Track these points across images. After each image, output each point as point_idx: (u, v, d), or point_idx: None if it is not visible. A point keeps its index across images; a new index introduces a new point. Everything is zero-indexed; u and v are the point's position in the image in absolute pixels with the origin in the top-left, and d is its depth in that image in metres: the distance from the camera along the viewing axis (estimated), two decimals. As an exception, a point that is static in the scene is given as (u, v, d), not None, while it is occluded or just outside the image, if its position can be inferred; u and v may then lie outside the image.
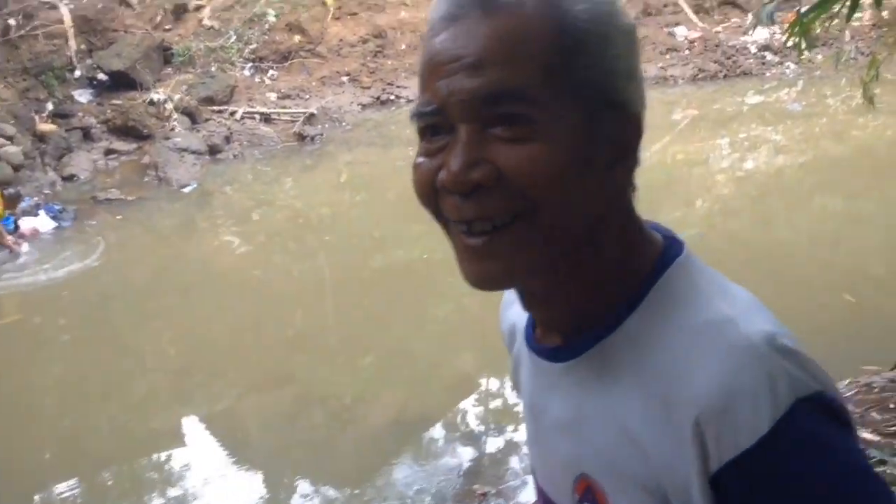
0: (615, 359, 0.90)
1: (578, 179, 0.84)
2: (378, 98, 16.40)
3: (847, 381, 4.54)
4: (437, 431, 6.26)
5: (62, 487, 5.44)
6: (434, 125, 0.89)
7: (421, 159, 0.91)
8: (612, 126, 0.86)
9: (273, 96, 15.79)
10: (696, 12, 19.15)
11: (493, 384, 6.91)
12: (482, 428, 6.29)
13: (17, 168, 11.57)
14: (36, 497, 5.51)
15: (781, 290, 7.58)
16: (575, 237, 0.87)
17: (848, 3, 2.62)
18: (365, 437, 6.16)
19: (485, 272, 0.89)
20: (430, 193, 0.91)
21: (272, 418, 6.47)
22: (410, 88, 16.72)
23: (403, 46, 17.62)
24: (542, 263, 0.88)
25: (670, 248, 0.94)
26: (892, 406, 3.96)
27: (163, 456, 5.95)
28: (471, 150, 0.84)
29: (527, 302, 0.98)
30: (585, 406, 0.94)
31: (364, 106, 16.12)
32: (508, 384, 6.86)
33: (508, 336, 1.19)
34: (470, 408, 6.54)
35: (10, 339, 7.75)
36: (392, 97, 16.47)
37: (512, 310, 1.12)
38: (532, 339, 1.03)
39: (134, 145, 13.52)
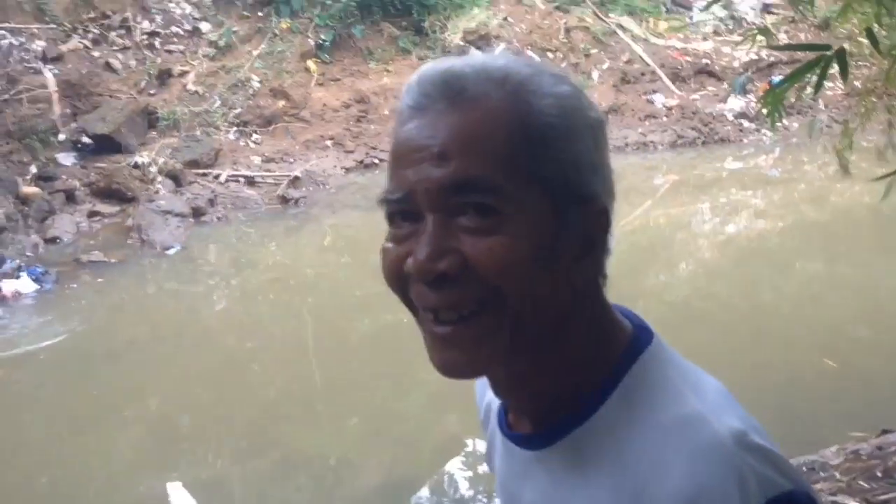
0: (585, 451, 0.90)
1: (544, 271, 0.86)
2: (362, 161, 16.54)
3: (834, 447, 4.53)
4: (424, 494, 6.20)
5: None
6: (402, 212, 0.91)
7: (389, 245, 0.93)
8: (579, 219, 0.88)
9: (257, 160, 15.88)
10: (673, 80, 19.60)
11: (480, 446, 6.83)
12: (471, 492, 6.21)
13: (-2, 230, 11.50)
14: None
15: (765, 353, 7.64)
16: (541, 328, 0.89)
17: (818, 75, 2.73)
18: (351, 500, 6.08)
19: (450, 361, 0.92)
20: (399, 280, 0.94)
21: (257, 482, 6.35)
22: (392, 152, 16.92)
23: (386, 111, 17.85)
24: (508, 354, 0.90)
25: (640, 337, 0.95)
26: (879, 474, 3.94)
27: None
28: (437, 239, 0.86)
29: (495, 388, 0.99)
30: (555, 496, 0.94)
31: (348, 169, 16.25)
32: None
33: (484, 414, 1.20)
34: (457, 470, 6.48)
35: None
36: (375, 161, 16.61)
37: (488, 389, 1.11)
38: (505, 423, 1.04)
39: (117, 208, 13.48)
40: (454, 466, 6.51)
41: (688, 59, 20.05)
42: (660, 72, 19.68)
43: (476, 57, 0.93)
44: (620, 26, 20.51)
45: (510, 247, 0.85)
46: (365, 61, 18.76)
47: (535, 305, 0.87)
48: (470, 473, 6.44)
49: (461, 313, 0.88)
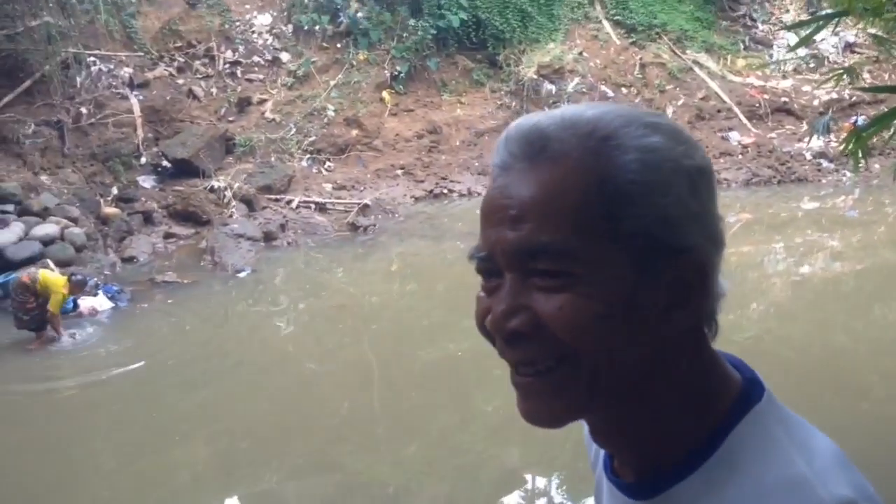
0: None
1: (622, 326, 0.84)
2: (431, 192, 16.68)
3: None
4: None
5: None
6: (487, 269, 0.91)
7: (482, 294, 0.94)
8: (667, 271, 0.85)
9: (329, 187, 16.17)
10: (750, 118, 19.28)
11: (539, 482, 6.75)
12: (528, 527, 6.11)
13: (79, 249, 11.91)
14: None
15: (840, 399, 7.36)
16: (620, 381, 0.87)
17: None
18: (406, 531, 6.03)
19: (531, 410, 0.91)
20: (485, 330, 0.94)
21: (312, 503, 6.38)
22: (463, 183, 16.99)
23: (457, 143, 18.01)
24: (586, 406, 0.88)
25: (750, 392, 0.91)
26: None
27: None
28: (512, 297, 0.86)
29: (592, 434, 0.97)
30: None
31: (417, 199, 16.40)
32: (555, 483, 6.70)
33: (593, 456, 1.18)
34: (515, 503, 6.37)
35: (61, 414, 7.83)
36: (445, 191, 16.73)
37: None
38: (610, 468, 1.01)
39: (192, 230, 13.87)
40: (513, 500, 6.41)
41: (766, 96, 19.70)
42: (736, 109, 19.38)
43: (569, 109, 0.90)
44: (697, 63, 20.31)
45: (580, 306, 0.83)
46: (438, 93, 18.99)
47: (613, 359, 0.85)
48: (529, 508, 6.35)
49: (538, 368, 0.88)
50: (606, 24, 20.91)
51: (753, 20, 21.99)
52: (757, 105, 19.51)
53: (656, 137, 0.85)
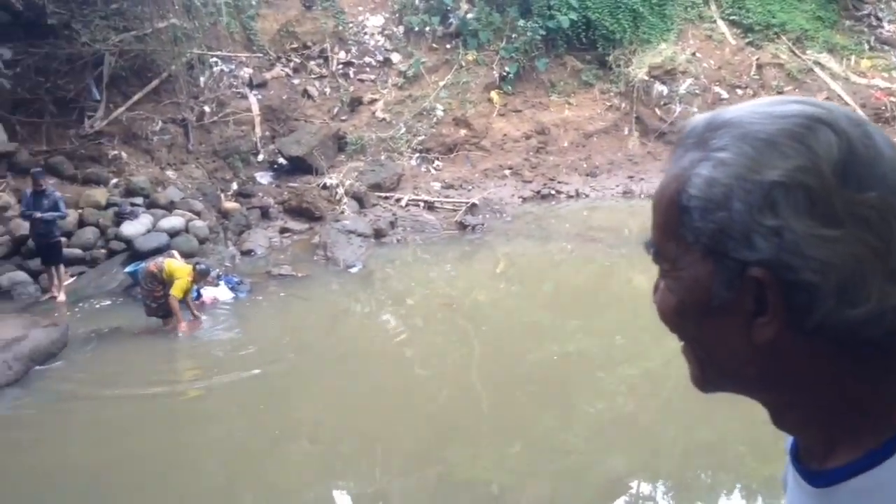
0: (863, 500, 0.92)
1: (699, 322, 0.93)
2: (539, 192, 16.68)
3: None
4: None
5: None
6: None
7: None
8: (739, 281, 0.88)
9: (437, 185, 16.39)
10: (875, 121, 18.41)
11: (644, 489, 6.68)
12: (632, 535, 6.07)
13: (202, 241, 12.49)
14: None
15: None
16: (726, 370, 0.95)
17: None
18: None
19: (689, 372, 0.99)
20: None
21: (418, 499, 6.49)
22: (571, 184, 16.92)
23: (566, 144, 17.93)
24: (707, 383, 0.97)
25: None
26: None
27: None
28: (657, 278, 0.98)
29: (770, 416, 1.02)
30: None
31: (525, 199, 16.43)
32: (661, 491, 6.62)
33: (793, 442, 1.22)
34: (619, 510, 6.34)
35: (176, 400, 8.23)
36: (552, 192, 16.70)
37: None
38: (795, 453, 1.05)
39: (306, 225, 14.33)
40: (617, 504, 6.39)
41: (893, 99, 18.80)
42: (860, 112, 18.57)
43: (732, 109, 0.94)
44: (818, 63, 19.56)
45: (665, 297, 0.95)
46: (547, 94, 18.94)
47: (704, 349, 0.95)
48: (632, 514, 6.32)
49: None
50: (721, 24, 20.39)
51: (879, 19, 21.01)
52: (883, 108, 18.64)
53: (735, 149, 0.89)
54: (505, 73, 18.65)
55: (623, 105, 18.70)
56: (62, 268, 11.20)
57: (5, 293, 11.10)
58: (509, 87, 18.71)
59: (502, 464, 7.02)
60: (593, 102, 18.88)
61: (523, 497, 6.48)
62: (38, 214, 10.70)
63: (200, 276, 9.73)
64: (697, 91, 18.53)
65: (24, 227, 11.60)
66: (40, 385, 8.26)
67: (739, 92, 18.70)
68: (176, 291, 9.45)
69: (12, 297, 11.02)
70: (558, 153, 17.74)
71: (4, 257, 11.81)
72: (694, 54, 19.32)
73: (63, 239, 11.39)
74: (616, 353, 9.51)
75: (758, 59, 19.49)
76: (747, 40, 20.02)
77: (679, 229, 0.91)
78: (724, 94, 18.66)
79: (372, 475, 6.89)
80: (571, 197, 16.65)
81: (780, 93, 18.73)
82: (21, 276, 11.42)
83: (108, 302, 11.04)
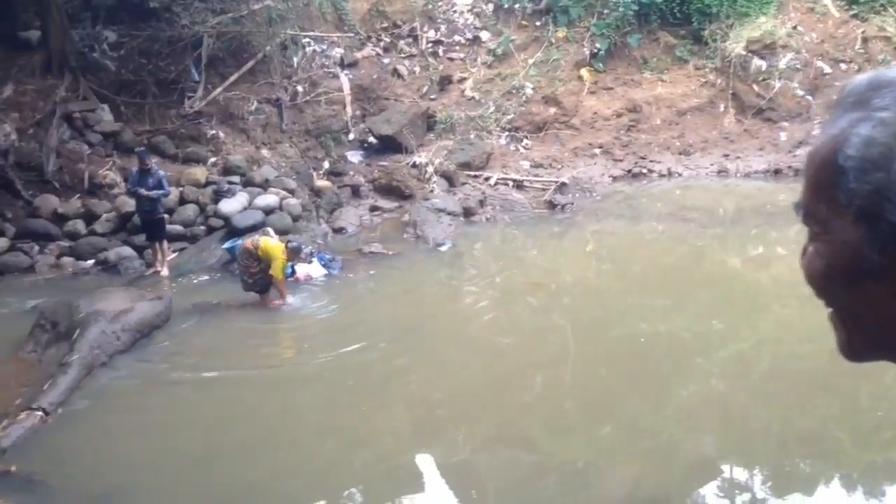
0: None
1: (846, 287, 0.89)
2: (629, 171, 16.44)
3: None
4: (674, 512, 6.05)
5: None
6: None
7: None
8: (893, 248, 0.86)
9: (526, 164, 16.33)
10: None
11: (737, 473, 6.57)
12: (724, 519, 5.99)
13: (295, 219, 12.80)
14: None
15: None
16: (865, 337, 0.92)
17: None
18: (597, 508, 6.07)
19: (836, 341, 0.96)
20: None
21: (505, 477, 6.54)
22: (663, 163, 16.61)
23: (658, 121, 17.58)
24: (853, 351, 0.94)
25: None
26: None
27: (400, 498, 6.20)
28: (805, 244, 0.95)
29: None
30: None
31: (615, 178, 16.22)
32: (755, 476, 6.50)
33: None
34: (710, 494, 6.24)
35: (271, 380, 8.49)
36: (644, 171, 16.43)
37: None
38: None
39: (396, 204, 14.51)
40: (709, 491, 6.29)
41: None
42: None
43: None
44: (928, 35, 18.57)
45: (812, 260, 0.92)
46: (639, 70, 18.58)
47: (855, 317, 0.91)
48: (723, 497, 6.21)
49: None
50: (825, -5, 19.57)
51: None
52: None
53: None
54: (596, 50, 18.37)
55: (719, 81, 18.20)
56: (165, 243, 11.67)
57: (113, 267, 11.65)
58: (600, 65, 18.42)
59: (589, 442, 7.02)
60: (687, 79, 18.42)
61: (610, 476, 6.47)
62: (144, 192, 11.14)
63: (293, 254, 9.98)
64: (798, 66, 17.85)
65: (129, 204, 12.12)
66: (145, 356, 8.65)
67: (843, 67, 17.93)
68: (277, 272, 9.75)
69: (119, 271, 11.55)
70: (650, 131, 17.41)
71: (112, 233, 12.39)
72: (795, 27, 18.59)
73: (166, 216, 11.85)
74: (708, 335, 9.34)
75: (863, 33, 18.61)
76: (852, 12, 19.13)
77: (832, 191, 0.89)
78: (827, 69, 17.93)
79: (458, 449, 6.97)
80: (663, 176, 16.34)
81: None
82: (127, 251, 11.96)
83: (207, 277, 11.45)
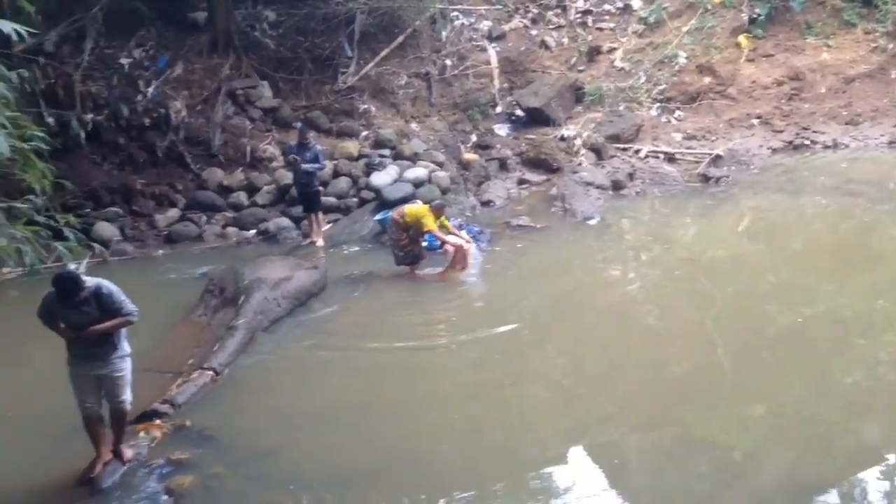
0: None
1: None
2: (790, 143, 15.60)
3: None
4: (832, 500, 5.76)
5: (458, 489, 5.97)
6: None
7: None
8: None
9: (678, 136, 15.82)
10: None
11: (904, 464, 6.20)
12: (886, 506, 5.67)
13: (444, 191, 13.00)
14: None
15: None
16: None
17: None
18: (751, 495, 5.87)
19: None
20: None
21: (654, 458, 6.43)
22: (828, 133, 15.69)
23: (823, 90, 16.59)
24: None
25: None
26: None
27: (545, 470, 6.22)
28: None
29: None
30: None
31: (774, 150, 15.44)
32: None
33: None
34: (873, 482, 5.91)
35: (420, 353, 8.68)
36: (807, 142, 15.55)
37: None
38: None
39: (543, 177, 14.44)
40: (870, 476, 5.97)
41: None
42: None
43: None
44: None
45: None
46: (802, 36, 17.55)
47: None
48: (887, 487, 5.87)
49: None
50: None
51: None
52: None
53: None
54: (755, 16, 17.51)
55: (890, 46, 16.94)
56: (321, 215, 12.16)
57: (272, 237, 12.28)
58: (759, 31, 17.55)
59: (743, 428, 6.79)
60: (855, 44, 17.25)
61: (765, 463, 6.24)
62: (304, 165, 11.61)
63: (437, 211, 10.11)
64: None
65: (288, 177, 12.69)
66: (302, 322, 9.07)
67: None
68: (430, 225, 9.92)
69: (278, 240, 12.16)
70: (814, 100, 16.45)
71: (271, 204, 13.03)
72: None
73: (321, 188, 12.32)
74: (876, 317, 8.80)
75: None
76: None
77: None
78: None
79: (607, 429, 6.90)
80: (828, 147, 15.41)
81: None
82: (285, 221, 12.56)
83: (359, 248, 11.85)
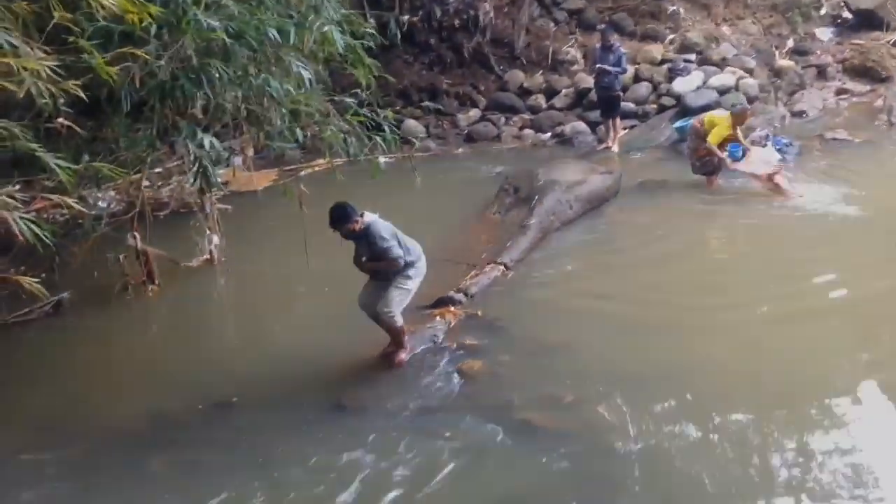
0: None
1: None
2: None
3: None
4: None
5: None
6: None
7: None
8: None
9: None
10: None
11: None
12: None
13: (751, 100, 12.22)
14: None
15: None
16: None
17: None
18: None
19: None
20: None
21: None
22: None
23: None
24: None
25: None
26: None
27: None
28: None
29: None
30: None
31: None
32: None
33: None
34: None
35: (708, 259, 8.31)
36: None
37: None
38: None
39: (868, 87, 13.09)
40: None
41: None
42: None
43: None
44: None
45: None
46: None
47: None
48: None
49: None
50: None
51: None
52: None
53: None
54: None
55: None
56: (619, 120, 12.03)
57: (567, 141, 12.41)
58: None
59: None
60: None
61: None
62: (607, 67, 11.49)
63: (737, 118, 9.51)
64: None
65: (587, 81, 12.63)
66: (593, 226, 9.12)
67: None
68: (712, 138, 9.43)
69: (573, 144, 12.28)
70: None
71: (568, 108, 13.11)
72: None
73: (621, 93, 12.13)
74: None
75: None
76: None
77: None
78: None
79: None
80: None
81: None
82: (581, 126, 12.61)
83: (655, 156, 11.57)
